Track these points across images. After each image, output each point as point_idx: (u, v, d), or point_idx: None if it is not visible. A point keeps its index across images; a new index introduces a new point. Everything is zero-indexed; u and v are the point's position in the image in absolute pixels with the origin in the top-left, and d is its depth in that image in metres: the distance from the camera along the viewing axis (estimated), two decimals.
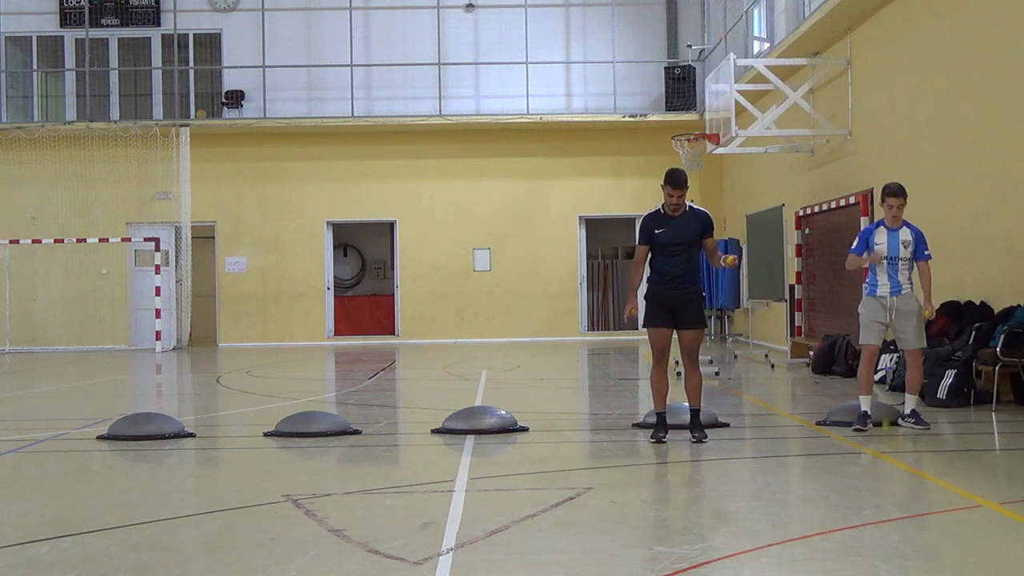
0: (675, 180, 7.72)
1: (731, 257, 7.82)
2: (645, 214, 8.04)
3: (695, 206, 7.97)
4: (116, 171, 21.35)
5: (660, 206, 7.91)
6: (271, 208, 22.08)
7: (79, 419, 9.81)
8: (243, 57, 22.15)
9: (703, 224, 7.83)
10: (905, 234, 8.24)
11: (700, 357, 8.19)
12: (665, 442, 7.64)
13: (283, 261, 22.07)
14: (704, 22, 22.16)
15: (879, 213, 8.51)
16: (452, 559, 4.55)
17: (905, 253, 8.21)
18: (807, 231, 15.62)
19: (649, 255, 7.99)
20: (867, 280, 8.37)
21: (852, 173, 14.12)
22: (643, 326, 8.18)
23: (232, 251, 22.05)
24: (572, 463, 7.30)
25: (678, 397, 8.61)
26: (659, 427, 7.77)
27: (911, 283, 8.29)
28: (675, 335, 7.94)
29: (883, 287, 8.23)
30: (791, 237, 15.31)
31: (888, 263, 8.20)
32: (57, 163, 21.22)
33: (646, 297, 8.01)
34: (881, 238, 8.23)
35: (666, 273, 7.81)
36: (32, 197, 21.47)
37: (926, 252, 8.30)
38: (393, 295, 22.65)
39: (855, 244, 8.39)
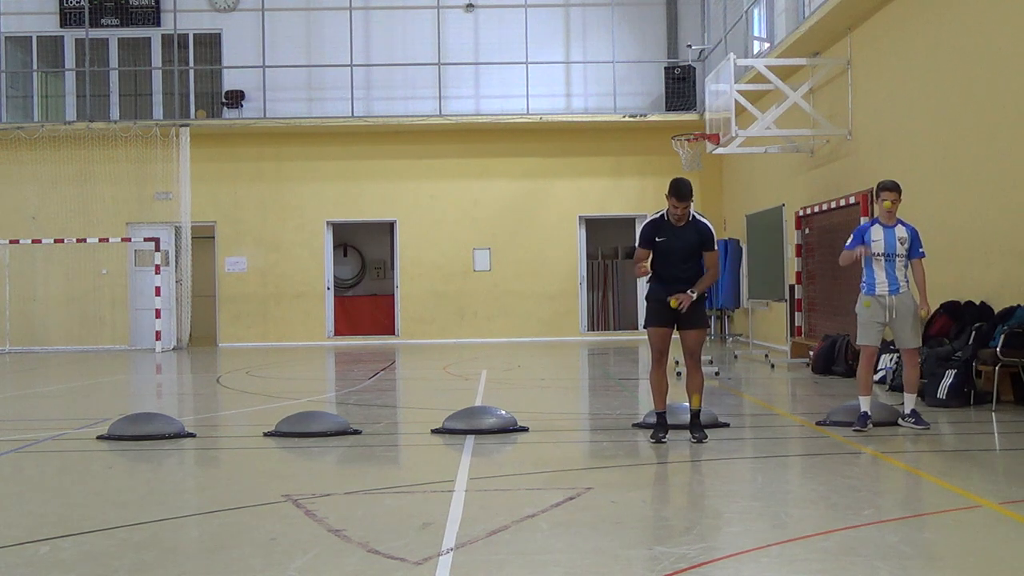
0: (679, 192, 7.63)
1: (674, 302, 7.62)
2: (648, 219, 7.99)
3: (699, 217, 7.90)
4: (116, 171, 21.35)
5: (663, 212, 7.84)
6: (271, 208, 22.08)
7: (79, 419, 9.81)
8: (243, 57, 22.15)
9: (702, 237, 7.76)
10: (901, 231, 8.22)
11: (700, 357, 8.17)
12: (665, 442, 7.64)
13: (283, 261, 22.07)
14: (704, 22, 22.16)
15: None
16: (452, 559, 4.55)
17: (901, 250, 8.20)
18: (807, 231, 15.62)
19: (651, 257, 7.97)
20: (864, 279, 8.34)
21: (852, 173, 14.12)
22: (643, 326, 8.16)
23: (232, 251, 22.05)
24: (572, 463, 7.30)
25: (678, 397, 8.61)
26: (659, 427, 7.78)
27: (907, 281, 8.29)
28: (677, 335, 7.93)
29: (881, 285, 8.21)
30: (791, 237, 15.31)
31: (885, 260, 8.19)
32: (57, 163, 21.22)
33: (647, 297, 8.00)
34: (877, 235, 8.22)
35: (667, 278, 7.80)
36: (32, 197, 21.47)
37: (920, 250, 8.29)
38: (393, 295, 22.65)
39: (849, 241, 8.38)
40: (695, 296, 7.65)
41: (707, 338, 20.72)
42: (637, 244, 8.02)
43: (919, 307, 8.24)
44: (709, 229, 7.83)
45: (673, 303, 7.60)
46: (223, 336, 21.94)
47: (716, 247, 7.86)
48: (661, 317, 7.82)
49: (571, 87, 22.71)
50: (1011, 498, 5.67)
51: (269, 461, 7.52)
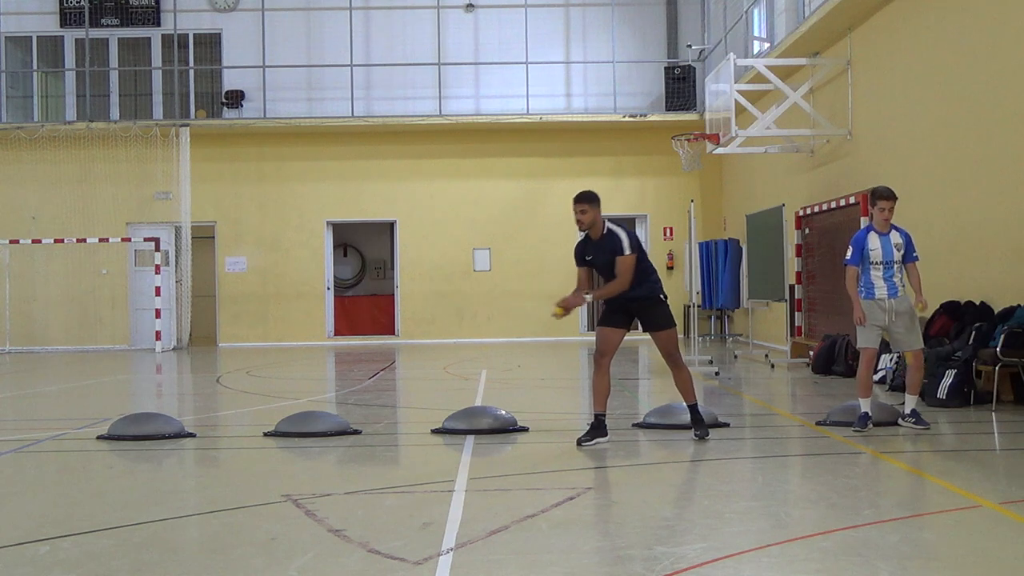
0: (576, 196, 7.59)
1: (558, 310, 7.53)
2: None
3: (612, 227, 7.69)
4: (116, 171, 21.36)
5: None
6: (271, 208, 22.08)
7: (79, 419, 9.81)
8: (243, 57, 22.16)
9: (613, 245, 7.59)
10: (896, 237, 8.26)
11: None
12: (593, 446, 7.55)
13: (283, 261, 22.08)
14: (704, 22, 22.17)
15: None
16: (452, 559, 4.55)
17: (897, 256, 8.24)
18: (807, 231, 15.62)
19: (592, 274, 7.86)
20: (862, 284, 8.36)
21: (852, 173, 14.12)
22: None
23: (232, 251, 22.06)
24: (572, 463, 7.29)
25: (679, 397, 8.59)
26: (593, 428, 7.67)
27: (904, 284, 8.31)
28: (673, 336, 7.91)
29: (880, 290, 8.24)
30: (791, 237, 15.31)
31: (884, 268, 8.23)
32: (57, 163, 21.24)
33: (604, 301, 7.90)
34: (874, 243, 8.25)
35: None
36: (32, 197, 21.49)
37: (914, 254, 8.33)
38: (393, 295, 22.66)
39: (850, 254, 8.36)
40: (590, 299, 7.56)
41: (707, 338, 20.80)
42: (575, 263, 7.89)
43: (916, 301, 8.24)
44: (618, 236, 7.63)
45: (557, 311, 7.49)
46: (223, 336, 21.95)
47: (628, 251, 7.56)
48: (610, 318, 7.76)
49: (571, 87, 22.71)
50: (1011, 498, 5.67)
51: (269, 461, 7.51)
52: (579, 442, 7.59)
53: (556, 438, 8.29)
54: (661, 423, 8.38)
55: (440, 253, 22.15)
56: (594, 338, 7.94)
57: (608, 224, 7.73)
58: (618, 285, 7.58)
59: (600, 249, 7.67)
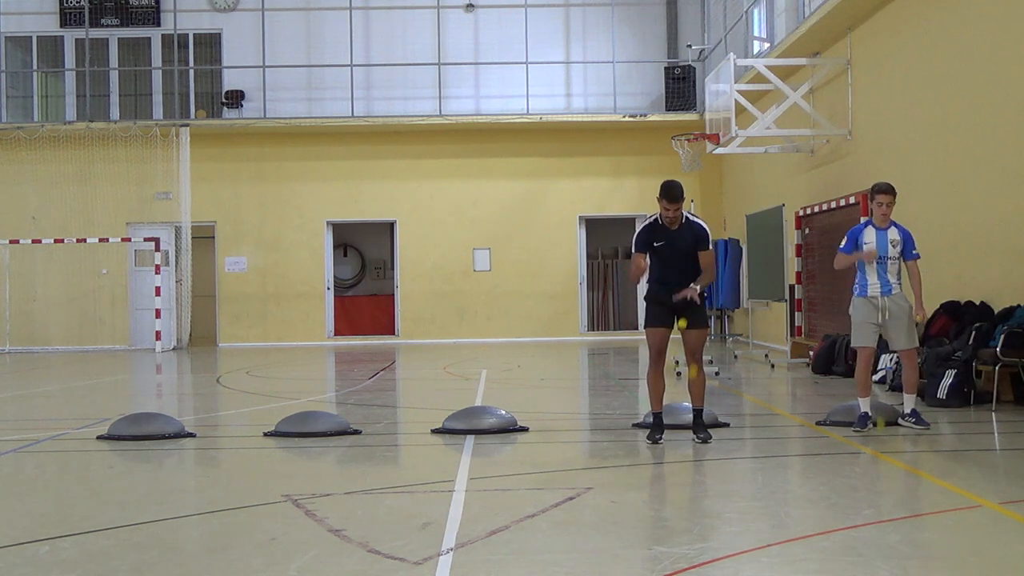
0: (670, 194, 7.62)
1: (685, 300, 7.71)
2: (642, 225, 7.95)
3: (693, 217, 7.88)
4: (116, 171, 21.35)
5: (657, 215, 7.84)
6: (271, 208, 22.08)
7: (79, 419, 9.81)
8: (243, 57, 22.16)
9: (697, 238, 7.75)
10: (893, 233, 8.24)
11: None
12: (661, 443, 7.64)
13: (283, 261, 22.08)
14: (704, 22, 22.16)
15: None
16: (452, 559, 4.55)
17: (894, 252, 8.21)
18: (807, 231, 15.62)
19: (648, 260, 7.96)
20: (857, 281, 8.35)
21: (852, 173, 14.12)
22: (643, 327, 8.16)
23: (232, 251, 22.06)
24: (572, 463, 7.30)
25: (679, 397, 8.60)
26: (655, 428, 7.77)
27: (900, 282, 8.30)
28: (677, 336, 7.93)
29: (873, 287, 8.22)
30: (791, 237, 15.31)
31: (878, 263, 8.20)
32: (57, 163, 21.24)
33: (646, 298, 7.99)
34: (870, 237, 8.23)
35: (666, 281, 7.78)
36: (32, 197, 21.47)
37: (914, 252, 8.28)
38: (393, 295, 22.66)
39: (844, 244, 8.38)
40: (698, 289, 7.67)
41: (709, 338, 20.82)
42: (633, 249, 7.95)
43: (915, 312, 8.22)
44: (704, 229, 7.83)
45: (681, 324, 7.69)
46: (223, 336, 21.94)
47: (711, 247, 7.86)
48: (660, 318, 7.83)
49: (571, 87, 22.72)
50: (1011, 498, 5.67)
51: (269, 461, 7.51)
52: (655, 440, 7.67)
53: (556, 438, 8.30)
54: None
55: (440, 253, 22.15)
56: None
57: (685, 213, 7.83)
58: (709, 278, 7.85)
59: (680, 237, 7.74)
